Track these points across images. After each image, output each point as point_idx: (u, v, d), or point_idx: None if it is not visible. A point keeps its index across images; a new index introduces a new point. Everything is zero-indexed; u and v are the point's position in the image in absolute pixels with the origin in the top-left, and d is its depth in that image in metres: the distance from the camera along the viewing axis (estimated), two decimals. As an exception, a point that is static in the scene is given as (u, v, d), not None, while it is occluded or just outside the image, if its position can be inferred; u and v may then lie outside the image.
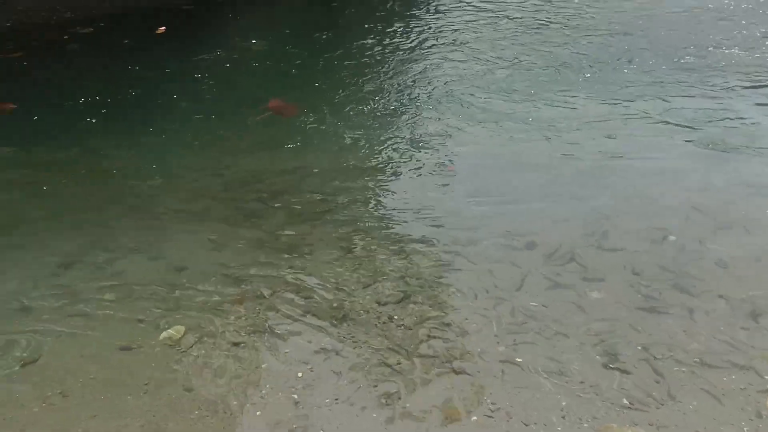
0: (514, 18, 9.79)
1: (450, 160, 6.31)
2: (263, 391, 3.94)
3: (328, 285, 4.77)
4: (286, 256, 5.10)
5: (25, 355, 4.19)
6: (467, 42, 9.08)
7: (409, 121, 7.12)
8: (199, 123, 7.22)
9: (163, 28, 9.04)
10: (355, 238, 5.30)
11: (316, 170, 6.27)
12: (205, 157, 6.61)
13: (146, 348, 4.29)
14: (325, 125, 7.06)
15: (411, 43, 9.21)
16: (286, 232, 5.39)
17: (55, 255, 5.15)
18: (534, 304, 4.53)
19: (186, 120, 7.28)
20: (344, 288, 4.73)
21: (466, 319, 4.42)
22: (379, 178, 6.19)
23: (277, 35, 9.40)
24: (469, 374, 3.99)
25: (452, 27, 9.63)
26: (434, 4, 10.59)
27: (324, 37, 9.36)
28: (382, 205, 5.78)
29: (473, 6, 10.37)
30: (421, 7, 10.51)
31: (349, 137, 6.83)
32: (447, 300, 4.62)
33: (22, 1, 8.95)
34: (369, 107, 7.45)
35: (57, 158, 6.59)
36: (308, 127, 7.07)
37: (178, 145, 6.80)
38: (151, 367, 4.14)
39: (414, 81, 8.06)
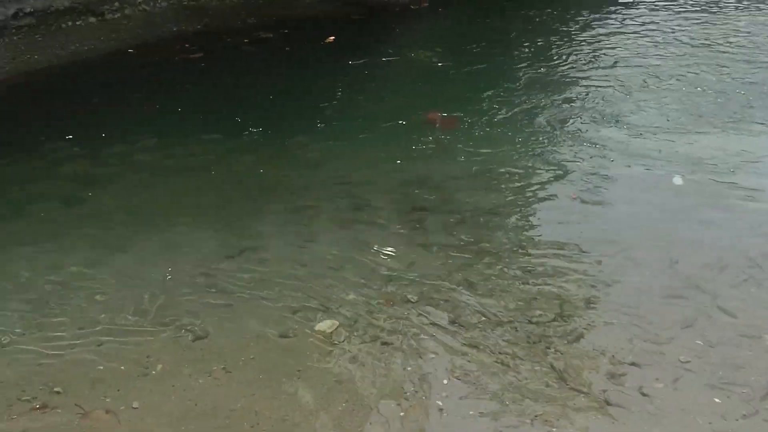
0: (683, 42, 9.31)
1: (579, 190, 6.09)
2: (408, 393, 4.01)
3: (481, 297, 4.77)
4: (439, 263, 5.16)
5: (196, 329, 4.56)
6: (628, 64, 8.75)
7: (565, 143, 6.96)
8: (365, 125, 7.50)
9: (332, 37, 9.47)
10: (512, 252, 5.25)
11: (470, 181, 6.29)
12: (368, 159, 6.84)
13: (301, 337, 4.52)
14: (486, 137, 7.08)
15: (571, 61, 9.02)
16: (442, 239, 5.45)
17: (226, 244, 5.55)
18: (699, 342, 4.28)
19: (353, 121, 7.61)
20: (497, 302, 4.70)
21: (622, 349, 4.25)
22: (536, 195, 6.09)
23: (446, 45, 9.53)
24: (621, 407, 3.83)
25: (611, 46, 9.37)
26: (592, 23, 10.30)
27: (489, 50, 9.38)
28: (537, 222, 5.69)
29: (635, 28, 9.99)
30: (578, 23, 10.27)
31: (509, 150, 6.80)
32: (601, 326, 4.47)
33: (213, 7, 9.77)
34: (526, 123, 7.37)
35: (221, 149, 7.12)
36: (470, 137, 7.13)
37: (345, 142, 7.14)
38: (305, 356, 4.35)
39: (573, 101, 7.86)
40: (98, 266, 5.24)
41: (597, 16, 10.63)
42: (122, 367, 4.22)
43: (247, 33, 9.77)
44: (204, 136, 7.30)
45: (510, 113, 7.62)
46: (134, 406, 3.88)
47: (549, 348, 4.29)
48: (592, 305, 4.66)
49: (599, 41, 9.65)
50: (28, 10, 8.29)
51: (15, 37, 8.37)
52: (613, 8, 10.89)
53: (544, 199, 6.02)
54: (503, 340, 4.38)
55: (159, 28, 9.50)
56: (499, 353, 4.27)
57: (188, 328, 4.57)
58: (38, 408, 3.91)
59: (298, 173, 6.59)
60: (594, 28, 10.14)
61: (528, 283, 4.88)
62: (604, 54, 9.18)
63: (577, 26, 10.29)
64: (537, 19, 10.55)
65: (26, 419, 3.84)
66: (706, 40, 9.36)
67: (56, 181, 6.53)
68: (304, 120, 7.64)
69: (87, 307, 4.79)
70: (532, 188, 6.19)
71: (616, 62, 8.88)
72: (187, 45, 9.26)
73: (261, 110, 7.83)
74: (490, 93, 8.10)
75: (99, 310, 4.74)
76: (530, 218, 5.78)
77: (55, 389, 4.04)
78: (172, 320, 4.66)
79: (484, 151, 6.82)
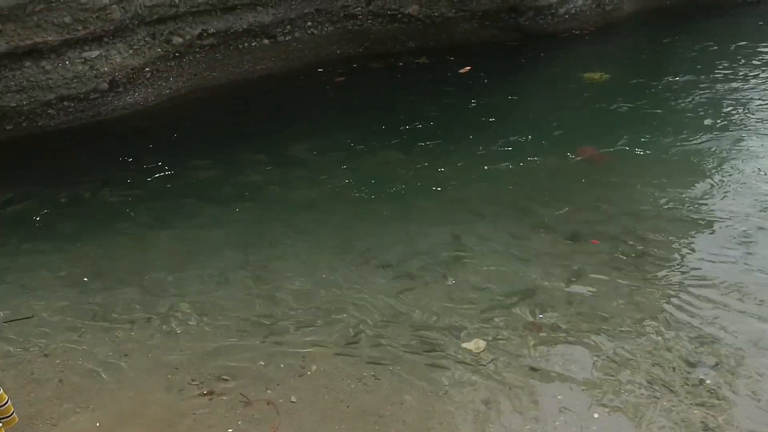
0: None
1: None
2: (557, 423, 3.95)
3: (637, 336, 4.62)
4: (591, 290, 5.06)
5: (350, 334, 4.77)
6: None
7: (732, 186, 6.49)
8: (516, 151, 7.52)
9: (468, 68, 9.49)
10: (671, 291, 5.05)
11: (628, 215, 6.10)
12: (517, 183, 6.87)
13: (447, 354, 4.59)
14: (640, 174, 6.84)
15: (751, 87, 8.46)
16: (596, 273, 5.32)
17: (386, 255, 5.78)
18: None
19: (506, 143, 7.68)
20: (654, 340, 4.53)
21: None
22: (703, 234, 5.80)
23: (614, 69, 9.31)
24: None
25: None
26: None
27: (659, 79, 9.01)
28: (703, 266, 5.40)
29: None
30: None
31: (670, 191, 6.51)
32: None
33: (375, 31, 10.21)
34: (688, 166, 6.94)
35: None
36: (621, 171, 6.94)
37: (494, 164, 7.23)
38: (449, 372, 4.41)
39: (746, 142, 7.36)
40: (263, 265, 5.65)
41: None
42: (281, 365, 4.50)
43: (403, 56, 10.09)
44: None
45: (673, 147, 7.30)
46: (292, 400, 4.13)
47: (711, 393, 4.06)
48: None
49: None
50: (211, 30, 9.10)
51: (198, 55, 9.22)
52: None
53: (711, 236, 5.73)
54: (655, 378, 4.20)
55: (324, 50, 10.07)
56: (655, 394, 4.11)
57: (341, 333, 4.79)
58: (206, 393, 4.27)
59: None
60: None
61: (690, 325, 4.66)
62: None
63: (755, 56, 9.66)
64: (710, 48, 9.99)
65: (195, 402, 4.20)
66: None
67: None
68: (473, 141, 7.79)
69: (246, 301, 5.17)
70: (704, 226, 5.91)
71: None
72: (320, 69, 9.81)
73: (424, 130, 8.05)
74: (650, 125, 7.82)
75: (260, 308, 5.10)
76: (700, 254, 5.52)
77: (223, 377, 4.38)
78: (329, 321, 4.91)
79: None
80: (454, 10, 10.12)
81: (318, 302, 5.16)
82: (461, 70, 9.57)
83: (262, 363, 4.51)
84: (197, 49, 9.15)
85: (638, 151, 7.25)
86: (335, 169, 7.25)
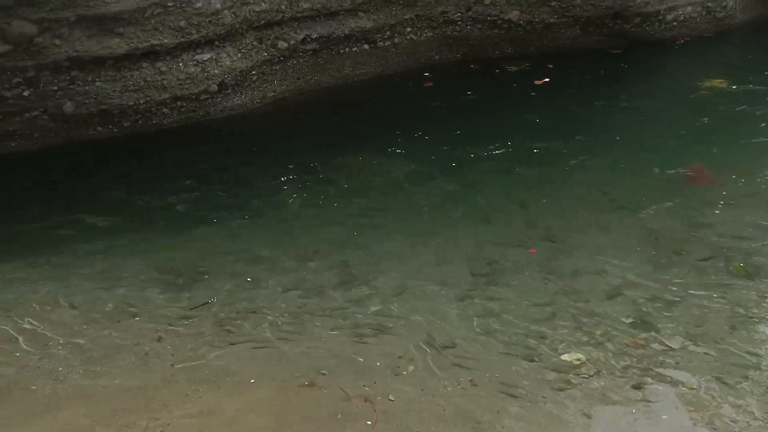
0: None
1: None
2: (659, 441, 3.83)
3: (743, 352, 4.41)
4: (705, 312, 4.86)
5: (446, 340, 4.79)
6: None
7: None
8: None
9: (546, 79, 9.25)
10: None
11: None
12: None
13: (545, 364, 4.52)
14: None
15: None
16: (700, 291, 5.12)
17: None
18: None
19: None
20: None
21: None
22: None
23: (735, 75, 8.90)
24: None
25: None
26: None
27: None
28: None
29: None
30: None
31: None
32: None
33: (474, 37, 10.18)
34: None
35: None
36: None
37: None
38: (546, 383, 4.35)
39: None
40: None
41: None
42: (378, 363, 4.57)
43: (500, 62, 9.99)
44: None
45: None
46: (390, 398, 4.19)
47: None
48: None
49: None
50: (314, 35, 9.34)
51: (301, 60, 9.47)
52: None
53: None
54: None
55: (422, 55, 10.13)
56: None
57: (437, 344, 4.80)
58: (306, 385, 4.38)
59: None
60: None
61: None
62: None
63: None
64: None
65: (295, 393, 4.32)
66: None
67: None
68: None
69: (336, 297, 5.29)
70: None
71: None
72: (426, 74, 9.80)
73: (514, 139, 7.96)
74: None
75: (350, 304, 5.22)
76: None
77: (321, 371, 4.49)
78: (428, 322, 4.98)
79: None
80: (556, 16, 9.95)
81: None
82: (537, 81, 9.37)
83: (361, 360, 4.60)
84: (300, 54, 9.40)
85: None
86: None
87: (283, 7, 8.84)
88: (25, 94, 7.70)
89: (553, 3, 9.90)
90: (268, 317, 5.11)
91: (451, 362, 4.56)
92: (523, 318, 4.97)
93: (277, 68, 9.27)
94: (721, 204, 6.30)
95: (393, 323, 5.01)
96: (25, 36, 7.33)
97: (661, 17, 10.12)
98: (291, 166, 7.60)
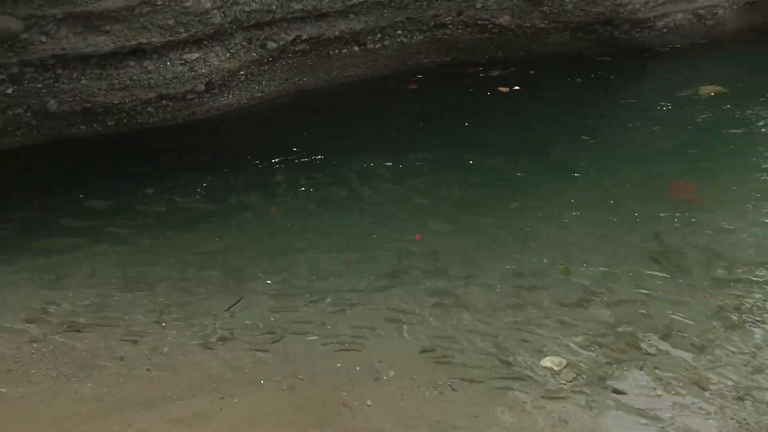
0: None
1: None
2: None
3: (726, 360, 4.40)
4: (686, 318, 4.85)
5: (426, 344, 4.75)
6: None
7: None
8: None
9: (517, 87, 9.14)
10: None
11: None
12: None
13: (528, 369, 4.49)
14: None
15: None
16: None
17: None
18: None
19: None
20: (748, 370, 4.31)
21: None
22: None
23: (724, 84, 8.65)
24: None
25: None
26: None
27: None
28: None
29: None
30: None
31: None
32: None
33: (464, 41, 10.17)
34: None
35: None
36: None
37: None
38: (530, 390, 4.32)
39: None
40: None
41: None
42: (357, 368, 4.53)
43: (487, 67, 9.93)
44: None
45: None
46: (368, 403, 4.15)
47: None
48: None
49: None
50: (304, 36, 9.29)
51: (290, 60, 9.43)
52: None
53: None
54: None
55: (412, 58, 10.09)
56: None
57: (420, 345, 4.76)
58: (285, 389, 4.34)
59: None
60: None
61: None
62: None
63: None
64: None
65: (275, 396, 4.28)
66: None
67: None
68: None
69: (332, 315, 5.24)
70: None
71: None
72: (412, 77, 9.72)
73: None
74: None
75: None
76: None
77: (300, 376, 4.45)
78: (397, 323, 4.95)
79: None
80: (546, 21, 9.94)
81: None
82: (503, 88, 9.19)
83: (339, 365, 4.55)
84: (290, 55, 9.35)
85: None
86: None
87: (274, 7, 8.80)
88: (9, 91, 7.62)
89: (545, 8, 9.90)
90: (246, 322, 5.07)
91: (430, 367, 4.52)
92: (502, 322, 4.94)
93: (265, 69, 9.22)
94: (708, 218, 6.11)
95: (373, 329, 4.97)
96: (10, 32, 7.26)
97: (651, 24, 10.13)
98: (273, 165, 7.54)
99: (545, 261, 5.63)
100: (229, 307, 5.20)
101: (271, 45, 9.06)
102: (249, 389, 4.29)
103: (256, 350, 4.72)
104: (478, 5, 9.94)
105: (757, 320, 4.79)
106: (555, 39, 10.13)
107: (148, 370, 4.53)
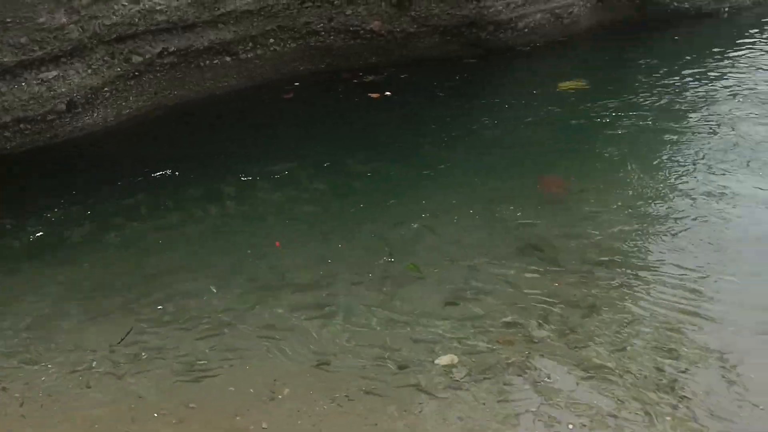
0: None
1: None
2: (531, 436, 3.96)
3: (600, 339, 4.68)
4: (560, 304, 5.10)
5: (318, 357, 4.70)
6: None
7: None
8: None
9: (388, 93, 9.33)
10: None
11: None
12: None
13: (422, 370, 4.56)
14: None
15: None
16: (569, 291, 5.32)
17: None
18: None
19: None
20: (619, 346, 4.59)
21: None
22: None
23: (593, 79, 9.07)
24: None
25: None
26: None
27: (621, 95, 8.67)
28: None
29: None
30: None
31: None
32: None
33: (338, 47, 10.21)
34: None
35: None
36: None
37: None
38: (424, 391, 4.39)
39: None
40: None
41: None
42: (251, 390, 4.42)
43: (365, 73, 10.02)
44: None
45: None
46: (263, 426, 4.05)
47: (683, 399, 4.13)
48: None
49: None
50: (171, 48, 8.96)
51: (158, 74, 9.07)
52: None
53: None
54: (626, 385, 4.25)
55: (287, 66, 10.00)
56: (623, 398, 4.16)
57: (310, 356, 4.71)
58: (175, 423, 4.15)
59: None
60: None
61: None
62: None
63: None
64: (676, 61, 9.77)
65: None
66: None
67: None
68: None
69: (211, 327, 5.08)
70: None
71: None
72: (287, 86, 9.64)
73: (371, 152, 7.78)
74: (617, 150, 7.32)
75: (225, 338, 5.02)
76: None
77: (190, 405, 4.28)
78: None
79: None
80: (415, 26, 10.16)
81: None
82: (373, 95, 9.28)
83: (232, 389, 4.42)
84: (157, 68, 8.99)
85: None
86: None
87: (137, 19, 8.40)
88: None
89: (413, 13, 10.12)
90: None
91: (325, 380, 4.48)
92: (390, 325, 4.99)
93: (132, 83, 8.81)
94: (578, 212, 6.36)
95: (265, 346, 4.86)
96: None
97: (513, 25, 10.60)
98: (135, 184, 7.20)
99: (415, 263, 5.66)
100: (121, 340, 4.91)
101: (136, 59, 8.66)
102: (135, 429, 4.07)
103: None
104: (348, 11, 10.00)
105: (625, 296, 5.13)
106: (425, 42, 10.38)
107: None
